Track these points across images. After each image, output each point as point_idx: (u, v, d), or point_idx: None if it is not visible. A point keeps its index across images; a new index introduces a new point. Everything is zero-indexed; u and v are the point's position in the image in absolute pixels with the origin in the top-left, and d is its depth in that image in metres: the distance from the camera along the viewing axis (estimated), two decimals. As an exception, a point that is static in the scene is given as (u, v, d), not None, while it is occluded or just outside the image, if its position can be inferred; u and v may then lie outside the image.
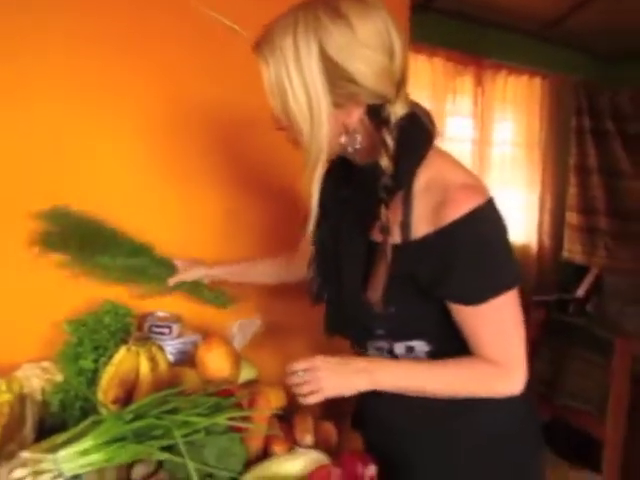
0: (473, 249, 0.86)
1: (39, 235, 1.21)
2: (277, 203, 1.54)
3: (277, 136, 0.93)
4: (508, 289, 0.88)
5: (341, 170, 0.99)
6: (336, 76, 0.82)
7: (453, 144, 3.47)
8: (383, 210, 0.87)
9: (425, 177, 0.88)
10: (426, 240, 0.87)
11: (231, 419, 0.96)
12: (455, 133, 3.51)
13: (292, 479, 0.94)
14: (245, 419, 1.00)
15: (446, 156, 0.94)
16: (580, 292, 3.59)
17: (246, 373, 1.24)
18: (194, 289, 1.37)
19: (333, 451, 1.07)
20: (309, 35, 0.80)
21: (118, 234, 1.28)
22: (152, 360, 1.09)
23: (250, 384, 1.22)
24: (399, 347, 0.98)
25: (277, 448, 1.04)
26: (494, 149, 3.72)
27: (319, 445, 1.08)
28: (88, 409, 1.05)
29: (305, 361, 0.95)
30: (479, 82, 3.55)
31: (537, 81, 3.83)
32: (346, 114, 0.87)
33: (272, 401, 1.15)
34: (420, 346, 0.97)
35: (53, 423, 1.11)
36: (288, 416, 1.14)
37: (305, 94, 0.82)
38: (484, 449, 0.99)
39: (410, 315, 0.94)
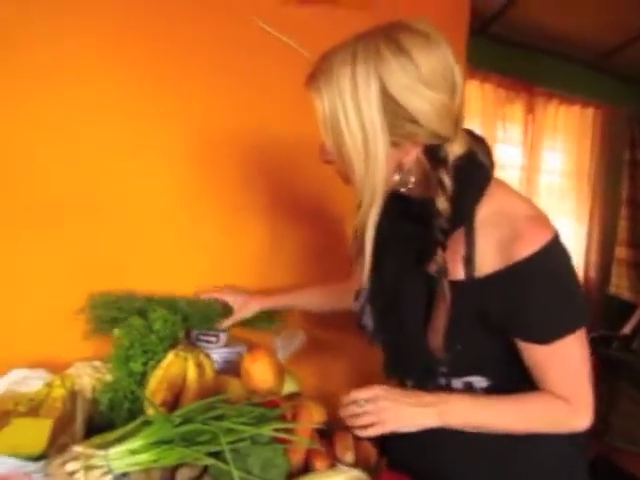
0: (547, 286, 0.83)
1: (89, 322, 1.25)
2: (321, 231, 1.55)
3: (324, 166, 0.91)
4: (580, 327, 0.87)
5: (396, 204, 0.93)
6: (395, 115, 0.78)
7: (501, 171, 3.43)
8: (440, 252, 0.85)
9: (488, 211, 0.86)
10: (497, 276, 0.84)
11: (276, 430, 0.97)
12: (504, 160, 3.47)
13: (333, 495, 0.94)
14: (289, 431, 1.00)
15: (507, 188, 0.91)
16: (626, 329, 3.47)
17: (289, 386, 1.24)
18: (247, 322, 1.39)
19: (372, 471, 1.06)
20: (369, 69, 0.76)
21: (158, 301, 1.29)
22: (199, 366, 1.11)
23: (292, 397, 1.22)
24: (457, 382, 0.97)
25: (318, 463, 1.04)
26: (542, 177, 3.67)
27: (358, 463, 1.07)
28: (135, 410, 1.07)
29: (367, 390, 0.93)
30: (530, 110, 3.52)
31: (589, 111, 3.77)
32: (402, 153, 0.83)
33: (314, 416, 1.15)
34: (478, 382, 0.95)
35: (101, 421, 1.13)
36: (329, 432, 1.14)
37: (361, 131, 0.78)
38: None
39: (474, 352, 0.92)
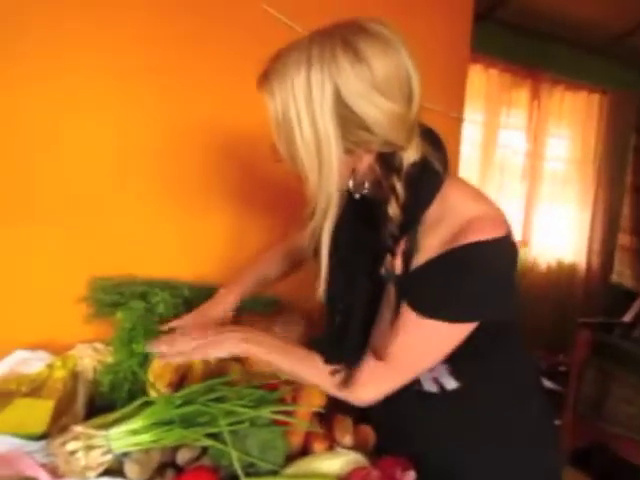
0: (463, 274, 0.81)
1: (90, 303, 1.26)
2: (281, 219, 1.51)
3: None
4: (462, 322, 0.84)
5: (351, 206, 0.90)
6: (349, 122, 0.76)
7: (505, 154, 3.42)
8: (388, 257, 0.84)
9: (437, 211, 0.84)
10: (429, 262, 0.83)
11: (275, 412, 0.98)
12: (507, 145, 3.46)
13: (331, 477, 0.95)
14: (288, 414, 1.01)
15: (463, 189, 0.88)
16: (627, 317, 3.46)
17: (289, 370, 1.25)
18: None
19: (370, 454, 1.07)
20: (324, 75, 0.74)
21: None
22: None
23: (292, 381, 1.23)
24: (428, 383, 0.97)
25: (317, 446, 1.05)
26: (546, 164, 3.66)
27: (357, 447, 1.08)
28: (136, 391, 1.08)
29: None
30: (535, 96, 3.50)
31: (596, 97, 3.75)
32: (356, 160, 0.82)
33: (313, 399, 1.16)
34: (448, 382, 0.95)
35: (101, 402, 1.15)
36: (327, 416, 1.15)
37: (314, 138, 0.76)
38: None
39: None
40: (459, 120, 1.62)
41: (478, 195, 0.88)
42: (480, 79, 3.21)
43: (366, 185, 0.87)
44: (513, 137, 3.48)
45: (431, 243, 0.83)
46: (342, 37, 0.75)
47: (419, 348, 0.88)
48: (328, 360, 0.95)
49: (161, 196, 1.36)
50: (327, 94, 0.74)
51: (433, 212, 0.84)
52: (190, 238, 1.42)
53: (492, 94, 3.27)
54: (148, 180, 1.34)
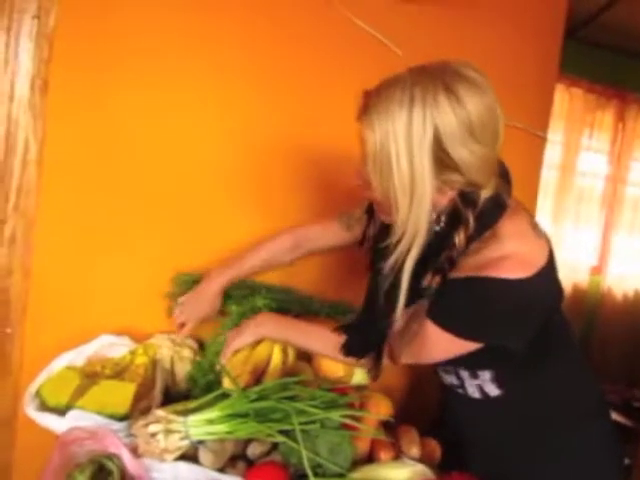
0: (478, 297, 0.88)
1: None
2: None
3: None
4: (468, 340, 0.91)
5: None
6: (443, 163, 0.80)
7: (584, 179, 3.30)
8: (437, 278, 0.90)
9: (485, 236, 0.89)
10: (455, 280, 0.90)
11: (344, 416, 0.99)
12: (587, 168, 3.34)
13: (398, 486, 0.95)
14: (357, 419, 1.02)
15: (517, 221, 0.92)
16: None
17: (358, 377, 1.26)
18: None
19: (436, 468, 1.06)
20: (426, 116, 0.77)
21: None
22: (284, 352, 1.15)
23: (361, 388, 1.24)
24: (463, 372, 1.04)
25: (383, 454, 1.05)
26: (628, 189, 3.50)
27: (423, 459, 1.07)
28: (212, 383, 1.12)
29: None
30: (621, 118, 3.36)
31: (686, 122, 3.56)
32: (441, 196, 0.86)
33: (381, 408, 1.16)
34: (484, 374, 1.01)
35: (177, 391, 1.20)
36: (394, 426, 1.15)
37: (410, 174, 0.80)
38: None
39: None
40: (543, 140, 1.58)
41: (525, 232, 0.92)
42: (563, 99, 3.13)
43: (442, 219, 0.90)
44: (594, 160, 3.36)
45: (468, 263, 0.89)
46: (443, 81, 0.79)
47: (424, 349, 0.96)
48: (350, 343, 1.03)
49: (244, 196, 1.40)
50: (427, 134, 0.78)
51: (486, 234, 0.90)
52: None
53: (575, 115, 3.17)
54: (234, 180, 1.38)
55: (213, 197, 1.37)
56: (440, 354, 0.96)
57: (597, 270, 3.66)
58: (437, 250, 0.88)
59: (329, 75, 1.42)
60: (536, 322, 0.92)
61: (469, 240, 0.87)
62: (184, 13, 1.29)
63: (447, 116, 0.77)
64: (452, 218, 0.89)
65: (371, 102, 0.83)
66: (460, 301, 0.88)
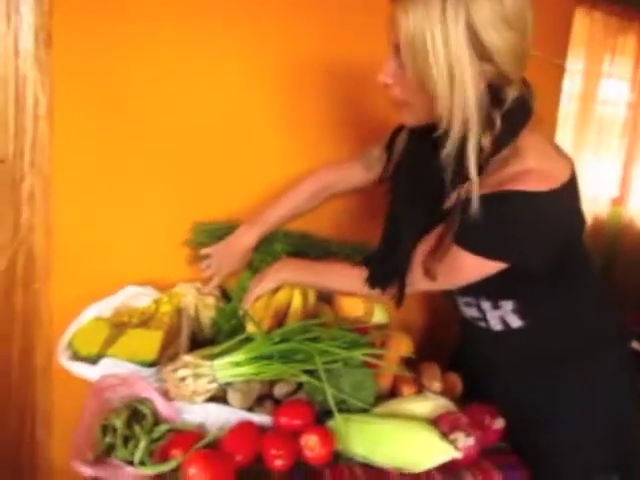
0: (502, 216, 0.86)
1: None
2: None
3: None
4: (496, 260, 0.90)
5: (418, 143, 0.99)
6: (476, 50, 0.80)
7: (605, 108, 3.20)
8: (466, 186, 0.88)
9: (508, 151, 0.89)
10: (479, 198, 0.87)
11: (366, 355, 1.01)
12: (608, 96, 3.23)
13: (422, 419, 0.98)
14: (378, 357, 1.05)
15: (535, 135, 0.91)
16: None
17: (378, 316, 1.28)
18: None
19: (457, 401, 1.09)
20: (459, 2, 0.77)
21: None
22: (304, 296, 1.17)
23: (381, 327, 1.26)
24: (485, 303, 1.04)
25: (406, 390, 1.08)
26: (652, 116, 3.39)
27: (445, 393, 1.10)
28: (236, 328, 1.15)
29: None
30: (644, 41, 3.22)
31: None
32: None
33: (402, 345, 1.19)
34: (507, 305, 1.02)
35: (203, 337, 1.24)
36: (415, 362, 1.18)
37: (447, 57, 0.79)
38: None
39: None
40: (562, 68, 1.52)
41: (546, 149, 0.93)
42: (582, 23, 2.99)
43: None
44: (615, 87, 3.24)
45: (489, 181, 0.88)
46: None
47: (451, 270, 0.94)
48: (374, 274, 1.04)
49: (261, 143, 1.39)
50: (460, 18, 0.78)
51: (506, 150, 0.88)
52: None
53: (595, 40, 3.04)
54: (251, 126, 1.37)
55: (230, 144, 1.37)
56: (470, 276, 0.95)
57: (618, 201, 3.60)
58: (460, 159, 0.86)
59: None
60: (559, 239, 0.91)
61: (495, 145, 0.86)
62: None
63: (479, 1, 0.77)
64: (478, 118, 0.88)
65: None
66: (484, 219, 0.86)
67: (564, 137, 3.20)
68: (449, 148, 0.85)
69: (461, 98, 0.81)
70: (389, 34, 0.86)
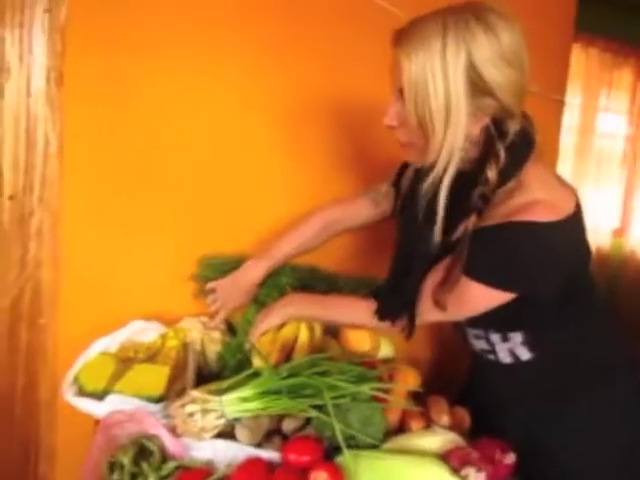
0: (510, 246, 0.88)
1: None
2: None
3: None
4: (501, 290, 0.91)
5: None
6: (476, 86, 0.84)
7: (603, 141, 3.25)
8: (473, 218, 0.90)
9: (514, 183, 0.91)
10: (487, 229, 0.90)
11: (374, 389, 1.01)
12: (606, 129, 3.28)
13: (431, 454, 0.97)
14: (386, 391, 1.04)
15: (538, 166, 0.94)
16: None
17: (385, 350, 1.28)
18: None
19: (466, 435, 1.08)
20: (459, 41, 0.82)
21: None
22: (311, 329, 1.17)
23: (387, 361, 1.26)
24: (494, 336, 1.04)
25: (414, 424, 1.07)
26: (649, 149, 3.44)
27: (453, 428, 1.09)
28: (242, 362, 1.14)
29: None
30: (639, 76, 3.28)
31: None
32: (474, 124, 0.89)
33: (409, 379, 1.18)
34: (515, 337, 1.02)
35: (209, 371, 1.23)
36: (423, 396, 1.17)
37: (446, 96, 0.84)
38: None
39: None
40: (560, 103, 1.56)
41: (550, 180, 0.95)
42: (579, 59, 3.06)
43: (474, 150, 0.92)
44: (613, 121, 3.30)
45: (495, 213, 0.90)
46: (473, 12, 0.84)
47: (462, 304, 0.95)
48: (383, 306, 1.05)
49: (269, 179, 1.41)
50: (461, 58, 0.82)
51: (511, 183, 0.91)
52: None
53: (591, 75, 3.10)
54: (259, 162, 1.40)
55: (236, 179, 1.39)
56: (479, 306, 0.96)
57: (619, 232, 3.62)
58: (468, 192, 0.90)
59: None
60: (566, 269, 0.92)
61: (500, 177, 0.89)
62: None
63: (479, 40, 0.82)
64: (483, 152, 0.91)
65: (406, 31, 0.87)
66: (491, 249, 0.89)
67: (564, 169, 3.24)
68: (429, 181, 0.89)
69: (453, 136, 0.86)
70: (393, 78, 0.90)
